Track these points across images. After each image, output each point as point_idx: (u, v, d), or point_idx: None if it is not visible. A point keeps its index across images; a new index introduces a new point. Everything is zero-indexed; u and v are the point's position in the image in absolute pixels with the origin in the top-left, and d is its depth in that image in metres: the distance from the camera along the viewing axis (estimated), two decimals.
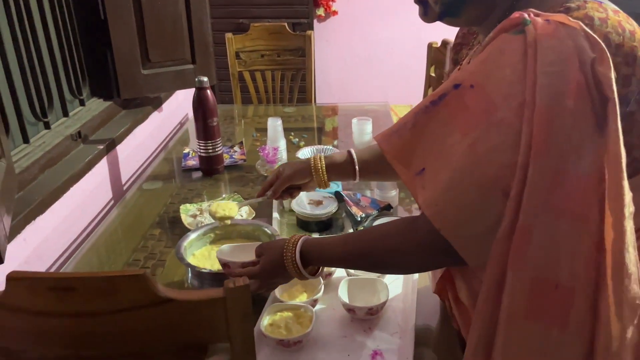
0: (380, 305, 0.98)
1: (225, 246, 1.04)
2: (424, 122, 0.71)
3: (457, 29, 0.98)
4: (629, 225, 0.63)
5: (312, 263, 0.89)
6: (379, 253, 0.81)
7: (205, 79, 1.60)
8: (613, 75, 0.61)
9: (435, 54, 2.13)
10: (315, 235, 1.29)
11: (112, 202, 1.74)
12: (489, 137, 0.65)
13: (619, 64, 0.64)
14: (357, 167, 1.08)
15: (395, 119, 2.28)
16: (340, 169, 1.09)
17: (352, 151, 1.10)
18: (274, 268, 0.90)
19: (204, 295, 0.64)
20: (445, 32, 2.87)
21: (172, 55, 1.93)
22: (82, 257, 1.28)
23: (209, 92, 1.61)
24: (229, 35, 2.53)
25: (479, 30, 0.83)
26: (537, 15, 0.66)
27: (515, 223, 0.63)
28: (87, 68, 1.82)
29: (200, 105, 1.61)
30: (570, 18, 0.64)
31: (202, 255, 1.15)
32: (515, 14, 0.67)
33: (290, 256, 0.88)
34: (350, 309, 0.98)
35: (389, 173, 1.17)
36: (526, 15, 0.66)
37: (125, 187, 1.84)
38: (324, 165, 1.07)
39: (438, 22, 0.81)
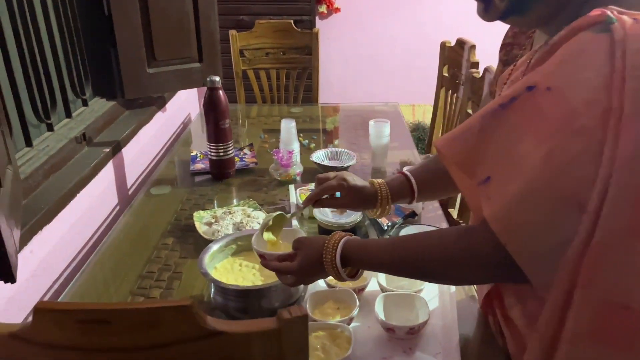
0: (422, 324, 0.92)
1: (259, 235, 0.97)
2: (492, 127, 0.65)
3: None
4: None
5: (352, 265, 0.83)
6: (431, 262, 0.75)
7: (217, 78, 1.53)
8: None
9: (449, 53, 2.07)
10: None
11: (118, 208, 1.66)
12: (567, 146, 0.59)
13: None
14: (415, 190, 1.00)
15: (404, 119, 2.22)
16: (399, 193, 1.00)
17: (408, 173, 1.01)
18: (312, 266, 0.84)
19: (256, 326, 0.58)
20: (451, 30, 2.82)
21: (179, 54, 1.85)
22: (92, 269, 1.21)
23: (221, 92, 1.54)
24: (233, 32, 2.46)
25: (541, 30, 0.77)
26: (621, 13, 0.60)
27: (590, 240, 0.58)
28: (89, 66, 1.73)
29: (212, 106, 1.54)
30: None
31: (225, 268, 1.08)
32: (596, 11, 0.61)
33: (330, 258, 0.82)
34: (389, 328, 0.92)
35: (444, 191, 1.10)
36: (609, 13, 0.60)
37: (130, 192, 1.76)
38: (389, 195, 0.99)
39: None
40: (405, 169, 1.03)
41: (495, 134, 0.64)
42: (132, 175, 1.80)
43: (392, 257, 0.80)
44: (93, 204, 1.52)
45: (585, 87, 0.59)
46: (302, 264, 0.86)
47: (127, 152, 1.74)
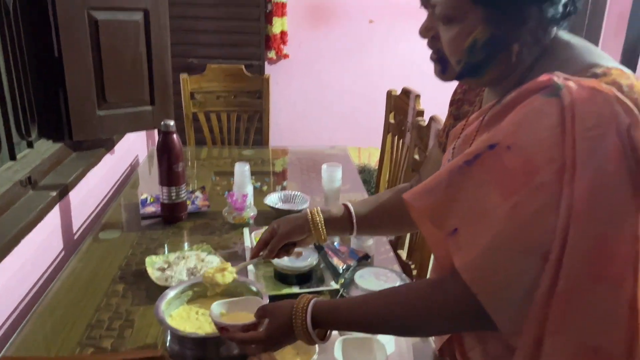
0: None
1: (216, 305, 0.96)
2: (459, 182, 0.69)
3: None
4: None
5: (323, 327, 0.84)
6: (405, 318, 0.77)
7: (172, 122, 1.53)
8: None
9: (395, 101, 2.17)
10: (295, 289, 1.24)
11: (64, 253, 1.59)
12: (531, 200, 0.64)
13: None
14: (354, 221, 1.05)
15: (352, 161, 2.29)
16: (338, 223, 1.05)
17: (349, 205, 1.07)
18: (281, 333, 0.84)
19: None
20: (396, 79, 2.96)
21: (130, 97, 1.84)
22: (37, 319, 1.15)
23: (175, 136, 1.54)
24: (184, 76, 2.47)
25: (491, 89, 0.84)
26: (566, 79, 0.67)
27: (555, 287, 0.63)
28: (36, 107, 1.69)
29: (165, 150, 1.53)
30: (602, 84, 0.66)
31: (180, 316, 1.06)
32: (544, 77, 0.68)
33: (300, 322, 0.82)
34: None
35: (385, 228, 1.17)
36: (556, 79, 0.67)
37: (77, 237, 1.70)
38: (323, 220, 1.03)
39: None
40: (349, 203, 1.08)
41: (462, 189, 0.69)
42: (79, 219, 1.74)
43: (365, 316, 0.81)
44: (38, 250, 1.45)
45: (542, 146, 0.65)
46: (270, 331, 0.85)
47: (74, 195, 1.69)
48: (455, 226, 0.69)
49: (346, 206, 1.06)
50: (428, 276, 1.66)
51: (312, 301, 0.84)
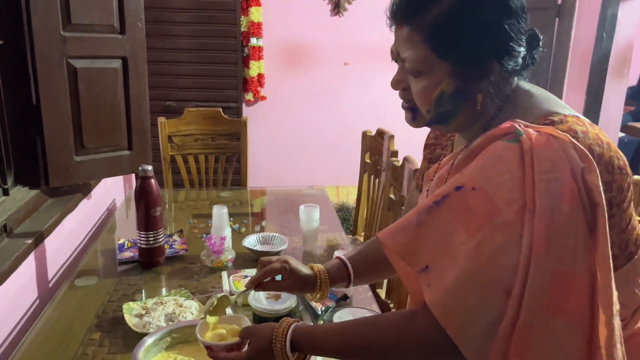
0: None
1: (203, 322, 0.97)
2: (428, 222, 0.73)
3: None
4: (617, 322, 0.67)
5: (301, 351, 0.86)
6: (377, 347, 0.79)
7: (150, 167, 1.55)
8: (600, 183, 0.68)
9: (370, 142, 2.23)
10: None
11: (39, 302, 1.57)
12: (493, 238, 0.68)
13: (601, 172, 0.70)
14: (352, 275, 1.07)
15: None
16: (337, 278, 1.07)
17: (344, 258, 1.09)
18: (262, 356, 0.86)
19: None
20: (372, 119, 3.04)
21: (108, 142, 1.86)
22: None
23: (152, 181, 1.56)
24: (161, 119, 2.50)
25: (460, 135, 0.89)
26: (527, 126, 0.72)
27: (516, 321, 0.66)
28: (12, 154, 1.69)
29: (143, 195, 1.54)
30: (558, 130, 0.71)
31: None
32: (507, 124, 0.73)
33: (280, 346, 0.84)
34: None
35: (378, 275, 1.21)
36: (517, 126, 0.72)
37: (52, 285, 1.68)
38: (328, 279, 1.05)
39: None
40: (341, 255, 1.10)
41: (431, 228, 0.73)
42: (55, 266, 1.72)
43: (340, 342, 0.83)
44: (12, 300, 1.43)
45: (504, 187, 0.69)
46: (250, 353, 0.87)
47: (50, 242, 1.67)
48: (425, 263, 0.72)
49: (342, 260, 1.09)
50: None
51: (292, 326, 0.86)
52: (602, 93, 3.30)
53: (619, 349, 0.68)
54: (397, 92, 0.87)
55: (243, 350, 0.90)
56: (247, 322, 0.98)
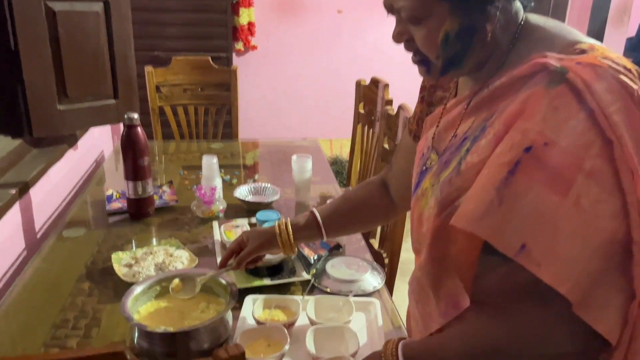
0: (352, 354, 0.93)
1: (311, 333, 0.99)
2: (510, 196, 0.65)
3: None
4: None
5: None
6: (513, 348, 0.70)
7: (136, 115, 1.50)
8: None
9: (364, 91, 2.17)
10: (267, 281, 1.22)
11: (26, 253, 1.54)
12: (588, 189, 0.62)
13: None
14: (322, 227, 1.04)
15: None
16: (306, 231, 1.05)
17: (316, 211, 1.06)
18: None
19: None
20: (366, 69, 2.96)
21: (92, 90, 1.79)
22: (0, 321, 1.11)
23: (139, 129, 1.51)
24: (149, 68, 2.42)
25: (472, 77, 0.81)
26: (560, 60, 0.66)
27: None
28: None
29: (130, 144, 1.50)
30: (598, 58, 0.65)
31: (148, 311, 1.04)
32: (536, 60, 0.67)
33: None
34: None
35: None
36: (553, 62, 0.66)
37: (40, 236, 1.65)
38: (291, 234, 1.02)
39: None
40: (314, 209, 1.08)
41: (516, 201, 0.65)
42: (42, 217, 1.69)
43: (467, 351, 0.73)
44: None
45: (575, 134, 0.63)
46: None
47: (36, 193, 1.63)
48: (521, 242, 0.64)
49: (312, 213, 1.06)
50: (400, 266, 1.67)
51: (400, 344, 0.78)
52: (601, 42, 3.22)
53: None
54: (397, 43, 0.80)
55: None
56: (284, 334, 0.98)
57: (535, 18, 0.77)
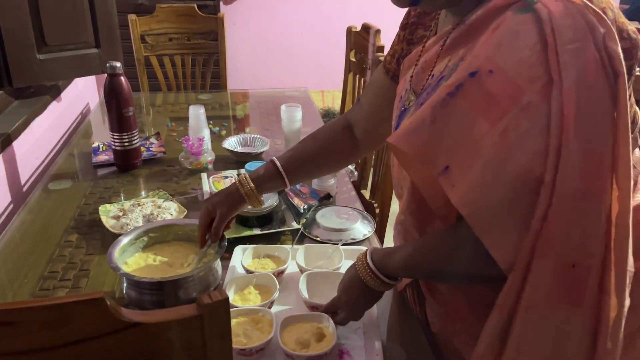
0: None
1: (304, 278, 0.99)
2: (444, 117, 0.65)
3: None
4: (633, 199, 0.64)
5: (385, 272, 0.85)
6: (430, 262, 0.79)
7: (118, 64, 1.44)
8: (620, 49, 0.62)
9: (356, 38, 2.11)
10: (257, 231, 1.22)
11: (12, 206, 1.52)
12: (518, 123, 0.61)
13: (617, 38, 0.63)
14: (284, 176, 1.01)
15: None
16: (269, 182, 1.01)
17: (276, 160, 1.02)
18: (352, 289, 0.87)
19: (175, 314, 0.55)
20: (356, 16, 2.86)
21: (73, 39, 1.72)
22: None
23: (122, 79, 1.46)
24: (132, 16, 2.33)
25: (450, 11, 0.79)
26: None
27: (548, 210, 0.61)
28: None
29: (113, 94, 1.45)
30: None
31: (136, 263, 1.03)
32: None
33: (365, 268, 0.85)
34: (313, 307, 0.93)
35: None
36: None
37: (25, 189, 1.62)
38: (253, 186, 0.99)
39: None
40: (274, 157, 1.03)
41: (448, 123, 0.65)
42: (27, 170, 1.65)
43: (407, 259, 0.82)
44: None
45: (524, 65, 0.62)
46: (342, 292, 0.89)
47: (19, 145, 1.59)
48: (446, 163, 0.65)
49: (272, 161, 1.02)
50: (390, 216, 1.67)
51: (368, 250, 0.86)
52: None
53: (630, 223, 0.64)
54: None
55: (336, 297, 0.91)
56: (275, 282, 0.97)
57: None
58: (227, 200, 1.00)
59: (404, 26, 0.93)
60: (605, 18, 0.63)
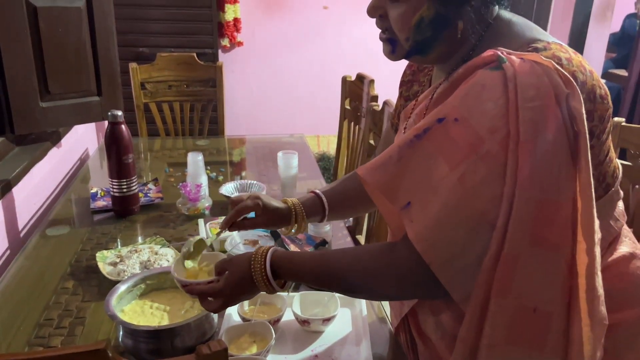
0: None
1: (178, 262, 0.95)
2: (409, 156, 0.70)
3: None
4: (597, 251, 0.67)
5: (280, 277, 0.84)
6: (355, 276, 0.78)
7: (120, 112, 1.49)
8: (584, 110, 0.66)
9: (350, 87, 2.17)
10: None
11: (9, 252, 1.52)
12: (476, 169, 0.66)
13: (583, 100, 0.68)
14: (327, 208, 1.05)
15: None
16: (311, 211, 1.04)
17: (319, 192, 1.06)
18: (240, 282, 0.84)
19: None
20: (351, 64, 2.96)
21: (75, 87, 1.77)
22: None
23: (123, 126, 1.50)
24: (133, 65, 2.40)
25: (438, 67, 0.85)
26: (510, 54, 0.69)
27: (500, 253, 0.65)
28: None
29: (114, 141, 1.49)
30: (542, 57, 0.68)
31: (133, 311, 1.03)
32: (489, 52, 0.70)
33: (259, 268, 0.82)
34: (304, 321, 0.94)
35: (352, 211, 1.19)
36: (500, 54, 0.69)
37: (23, 235, 1.63)
38: (304, 212, 1.02)
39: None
40: (317, 190, 1.08)
41: (413, 162, 0.70)
42: (25, 216, 1.67)
43: (319, 269, 0.82)
44: None
45: (487, 116, 0.66)
46: (229, 281, 0.85)
47: (19, 191, 1.61)
48: (407, 199, 0.70)
49: (316, 193, 1.06)
50: None
51: (270, 250, 0.84)
52: (584, 38, 3.26)
53: (599, 277, 0.67)
54: (370, 17, 0.82)
55: (220, 281, 0.87)
56: (222, 257, 0.95)
57: (507, 16, 0.80)
58: (276, 213, 1.01)
59: (401, 84, 1.01)
60: (571, 80, 0.67)
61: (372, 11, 0.80)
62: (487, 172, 0.66)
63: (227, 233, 1.07)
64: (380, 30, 0.81)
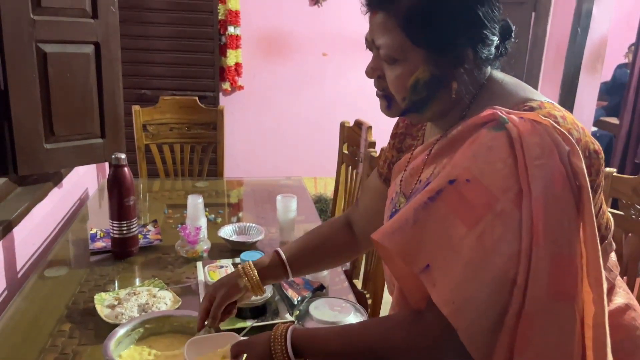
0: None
1: (189, 344, 0.94)
2: (424, 219, 0.71)
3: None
4: (605, 300, 0.68)
5: (301, 355, 0.83)
6: (384, 349, 0.77)
7: (123, 156, 1.52)
8: (584, 165, 0.69)
9: (348, 133, 2.22)
10: (250, 322, 1.23)
11: (6, 292, 1.52)
12: (494, 228, 0.67)
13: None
14: (288, 267, 1.06)
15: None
16: (272, 272, 1.06)
17: (280, 251, 1.08)
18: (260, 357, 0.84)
19: None
20: (350, 110, 3.03)
21: (80, 129, 1.80)
22: None
23: (126, 169, 1.52)
24: (136, 107, 2.45)
25: (436, 124, 0.88)
26: (508, 113, 0.72)
27: (521, 310, 0.66)
28: None
29: (116, 183, 1.51)
30: (540, 116, 0.71)
31: (130, 356, 1.03)
32: (489, 111, 0.73)
33: (280, 349, 0.82)
34: None
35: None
36: (500, 113, 0.72)
37: (21, 275, 1.63)
38: (257, 274, 1.03)
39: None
40: (279, 248, 1.09)
41: (429, 225, 0.71)
42: (24, 256, 1.67)
43: (345, 345, 0.81)
44: None
45: (498, 176, 0.69)
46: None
47: (19, 231, 1.62)
48: (426, 262, 0.70)
49: (277, 252, 1.07)
50: (383, 306, 1.68)
51: (289, 329, 0.84)
52: (576, 88, 3.35)
53: (607, 327, 0.68)
54: (369, 77, 0.86)
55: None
56: (236, 338, 0.95)
57: (499, 76, 0.84)
58: (228, 284, 1.03)
59: (393, 135, 1.03)
60: (570, 137, 0.71)
61: (370, 72, 0.84)
62: (504, 230, 0.67)
63: None
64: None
